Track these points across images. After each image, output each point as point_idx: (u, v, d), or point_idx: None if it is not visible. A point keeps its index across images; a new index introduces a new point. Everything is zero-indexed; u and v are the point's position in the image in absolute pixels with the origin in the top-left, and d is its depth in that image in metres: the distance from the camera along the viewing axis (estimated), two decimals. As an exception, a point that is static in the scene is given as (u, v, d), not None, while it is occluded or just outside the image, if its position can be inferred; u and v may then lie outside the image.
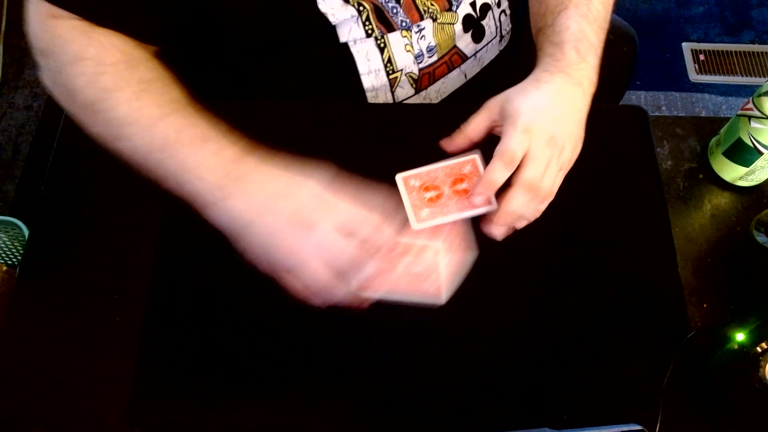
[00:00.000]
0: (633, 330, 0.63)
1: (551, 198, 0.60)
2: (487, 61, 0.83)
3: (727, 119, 0.72)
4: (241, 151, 0.56)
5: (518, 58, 0.90)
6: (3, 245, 1.29)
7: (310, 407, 0.59)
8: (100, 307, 0.63)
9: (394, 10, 0.70)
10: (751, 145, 0.66)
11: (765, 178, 0.71)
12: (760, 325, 0.57)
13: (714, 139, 0.73)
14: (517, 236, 0.61)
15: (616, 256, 0.66)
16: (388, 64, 0.73)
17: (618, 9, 0.72)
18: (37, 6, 0.57)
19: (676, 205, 0.71)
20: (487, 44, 0.80)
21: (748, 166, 0.69)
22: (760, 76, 1.77)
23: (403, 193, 0.61)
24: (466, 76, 0.81)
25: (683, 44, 1.84)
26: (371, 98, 0.76)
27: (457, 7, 0.74)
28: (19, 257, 1.30)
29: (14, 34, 1.74)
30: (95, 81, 0.57)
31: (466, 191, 0.61)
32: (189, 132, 0.56)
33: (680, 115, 1.64)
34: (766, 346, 0.57)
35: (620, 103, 0.98)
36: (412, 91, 0.77)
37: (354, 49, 0.71)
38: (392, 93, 0.76)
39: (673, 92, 1.76)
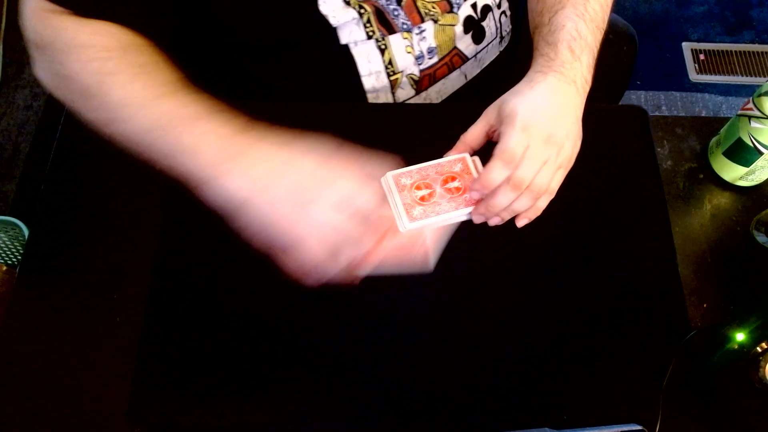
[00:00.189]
0: (633, 330, 0.63)
1: (551, 196, 0.60)
2: (487, 62, 0.83)
3: (727, 119, 0.72)
4: (237, 129, 0.55)
5: (518, 59, 0.90)
6: (3, 245, 1.30)
7: (310, 407, 0.59)
8: (100, 307, 0.63)
9: (395, 13, 0.70)
10: (751, 145, 0.66)
11: (765, 178, 0.71)
12: (760, 325, 0.57)
13: (714, 139, 0.73)
14: (517, 236, 0.61)
15: (616, 256, 0.66)
16: (389, 66, 0.73)
17: (618, 9, 0.72)
18: (34, 2, 0.57)
19: (676, 205, 0.71)
20: (487, 45, 0.80)
21: (748, 166, 0.69)
22: (760, 76, 1.77)
23: (393, 191, 0.60)
24: (466, 77, 0.81)
25: (683, 44, 1.84)
26: (372, 99, 0.76)
27: (458, 8, 0.74)
28: (19, 257, 1.30)
29: (14, 33, 1.74)
30: (91, 66, 0.57)
31: (458, 189, 0.60)
32: (183, 111, 0.55)
33: (680, 115, 1.64)
34: (766, 346, 0.57)
35: (620, 103, 0.98)
36: (413, 92, 0.78)
37: (354, 51, 0.71)
38: (393, 94, 0.76)
39: (673, 92, 1.76)
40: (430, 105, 0.80)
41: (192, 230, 0.66)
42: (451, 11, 0.73)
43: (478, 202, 0.59)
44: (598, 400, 0.60)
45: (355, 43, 0.70)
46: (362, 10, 0.67)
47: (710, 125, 0.76)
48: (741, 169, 0.69)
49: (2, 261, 1.29)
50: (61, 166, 0.72)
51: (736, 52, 1.82)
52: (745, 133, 0.66)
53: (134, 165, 0.70)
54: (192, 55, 0.75)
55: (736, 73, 1.79)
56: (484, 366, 0.61)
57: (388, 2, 0.69)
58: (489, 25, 0.79)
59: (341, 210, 0.53)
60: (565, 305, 0.64)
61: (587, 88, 0.62)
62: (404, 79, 0.75)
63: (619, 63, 0.92)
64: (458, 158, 0.62)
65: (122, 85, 0.56)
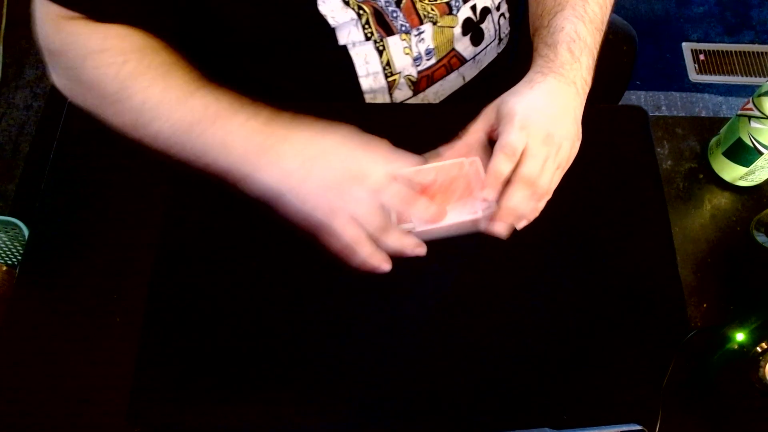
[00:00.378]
0: (633, 330, 0.63)
1: (549, 196, 0.60)
2: (485, 64, 0.83)
3: (727, 119, 0.72)
4: (267, 120, 0.56)
5: (516, 61, 0.90)
6: (3, 245, 1.30)
7: (310, 407, 0.59)
8: (100, 307, 0.63)
9: (394, 14, 0.70)
10: (751, 145, 0.66)
11: (765, 178, 0.71)
12: (760, 325, 0.57)
13: (714, 139, 0.73)
14: (517, 236, 0.61)
15: (616, 256, 0.66)
16: (387, 67, 0.73)
17: (618, 9, 0.72)
18: (46, 8, 0.57)
19: (676, 205, 0.71)
20: (485, 47, 0.80)
21: (748, 166, 0.69)
22: (760, 76, 1.77)
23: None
24: (464, 78, 0.81)
25: (683, 44, 1.84)
26: (369, 100, 0.76)
27: (457, 10, 0.74)
28: (19, 257, 1.30)
29: (14, 34, 1.74)
30: (109, 71, 0.57)
31: (463, 193, 0.60)
32: (209, 109, 0.56)
33: (680, 115, 1.64)
34: (766, 346, 0.57)
35: (620, 103, 0.98)
36: (411, 93, 0.78)
37: (353, 52, 0.71)
38: (390, 95, 0.76)
39: (673, 92, 1.76)
40: (428, 105, 0.80)
41: (192, 230, 0.66)
42: (450, 13, 0.73)
43: (490, 201, 0.58)
44: (598, 400, 0.60)
45: (354, 44, 0.70)
46: (361, 11, 0.67)
47: (710, 125, 0.76)
48: (741, 169, 0.69)
49: (2, 261, 1.29)
50: (61, 166, 0.72)
51: (736, 52, 1.82)
52: (745, 133, 0.66)
53: (134, 165, 0.70)
54: (192, 55, 0.75)
55: (736, 73, 1.79)
56: (484, 366, 0.61)
57: (387, 4, 0.69)
58: (488, 27, 0.79)
59: (380, 192, 0.55)
60: (565, 305, 0.64)
61: (587, 90, 0.62)
62: (402, 80, 0.75)
63: (619, 63, 0.92)
64: (461, 161, 0.60)
65: (144, 87, 0.56)
